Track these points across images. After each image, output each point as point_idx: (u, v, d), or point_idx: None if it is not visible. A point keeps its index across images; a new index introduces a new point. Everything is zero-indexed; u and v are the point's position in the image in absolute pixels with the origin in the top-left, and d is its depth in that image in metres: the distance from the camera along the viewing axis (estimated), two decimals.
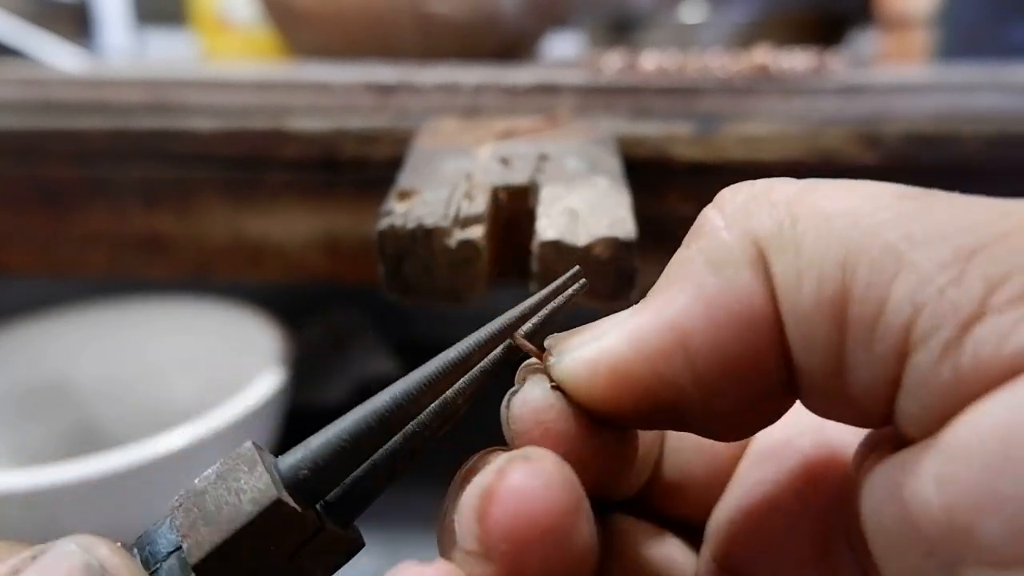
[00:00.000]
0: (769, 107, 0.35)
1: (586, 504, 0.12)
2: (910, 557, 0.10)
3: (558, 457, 0.12)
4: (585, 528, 0.12)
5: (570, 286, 0.15)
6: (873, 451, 0.12)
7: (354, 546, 0.14)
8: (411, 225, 0.22)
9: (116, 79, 0.39)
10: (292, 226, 0.33)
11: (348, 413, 0.13)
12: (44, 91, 0.38)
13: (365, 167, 0.32)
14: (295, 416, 0.49)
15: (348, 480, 0.13)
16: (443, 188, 0.24)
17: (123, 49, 0.89)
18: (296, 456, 0.13)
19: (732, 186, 0.13)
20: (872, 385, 0.11)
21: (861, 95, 0.36)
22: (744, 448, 0.16)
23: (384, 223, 0.22)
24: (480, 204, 0.23)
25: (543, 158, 0.27)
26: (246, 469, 0.13)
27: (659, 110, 0.35)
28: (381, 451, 0.14)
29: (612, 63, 0.42)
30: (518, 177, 0.25)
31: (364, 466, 0.13)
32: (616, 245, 0.22)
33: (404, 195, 0.24)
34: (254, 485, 0.12)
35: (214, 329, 0.55)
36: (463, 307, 0.23)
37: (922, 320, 0.10)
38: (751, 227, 0.12)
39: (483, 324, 0.14)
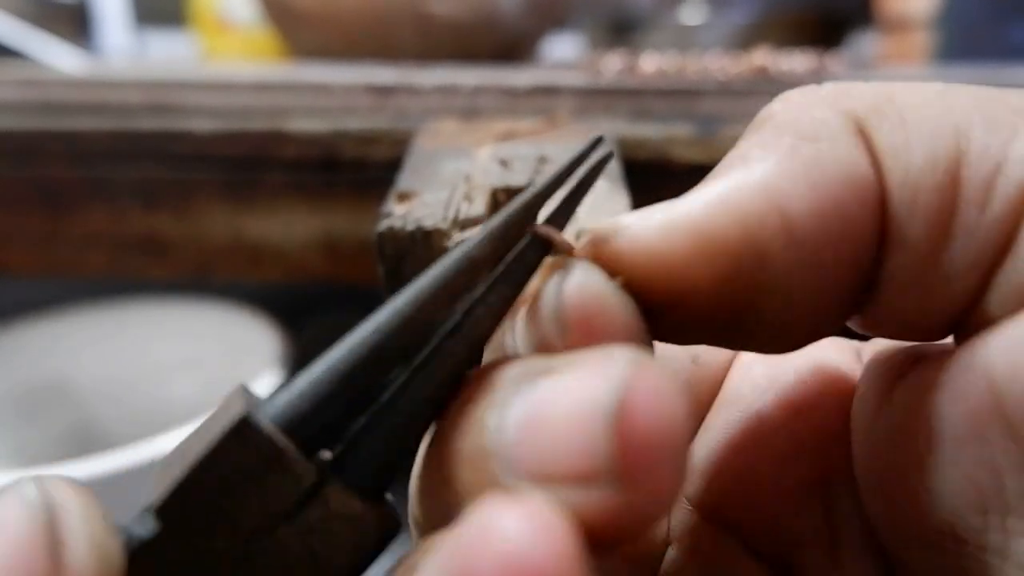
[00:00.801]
0: None
1: None
2: (994, 445, 0.10)
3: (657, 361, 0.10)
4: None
5: (590, 155, 0.12)
6: (911, 367, 0.12)
7: (388, 523, 0.11)
8: (410, 227, 0.22)
9: (115, 80, 0.39)
10: (291, 227, 0.33)
11: (336, 344, 0.11)
12: (43, 92, 0.38)
13: (364, 168, 0.32)
14: None
15: (362, 438, 0.11)
16: (442, 189, 0.24)
17: (122, 50, 0.89)
18: (279, 396, 0.11)
19: (804, 87, 0.12)
20: (978, 251, 0.10)
21: None
22: (720, 378, 0.15)
23: (383, 224, 0.22)
24: (479, 206, 0.23)
25: (542, 160, 0.27)
26: (227, 406, 0.11)
27: (659, 112, 0.35)
28: (394, 395, 0.11)
29: (612, 65, 0.42)
30: (517, 179, 0.25)
31: (375, 415, 0.11)
32: None
33: (403, 196, 0.24)
34: (226, 414, 0.10)
35: (214, 330, 0.55)
36: None
37: None
38: (844, 103, 0.12)
39: None
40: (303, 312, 0.64)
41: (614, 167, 0.27)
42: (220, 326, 0.55)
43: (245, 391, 0.11)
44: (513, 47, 0.60)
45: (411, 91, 0.37)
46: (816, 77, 0.39)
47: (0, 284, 0.56)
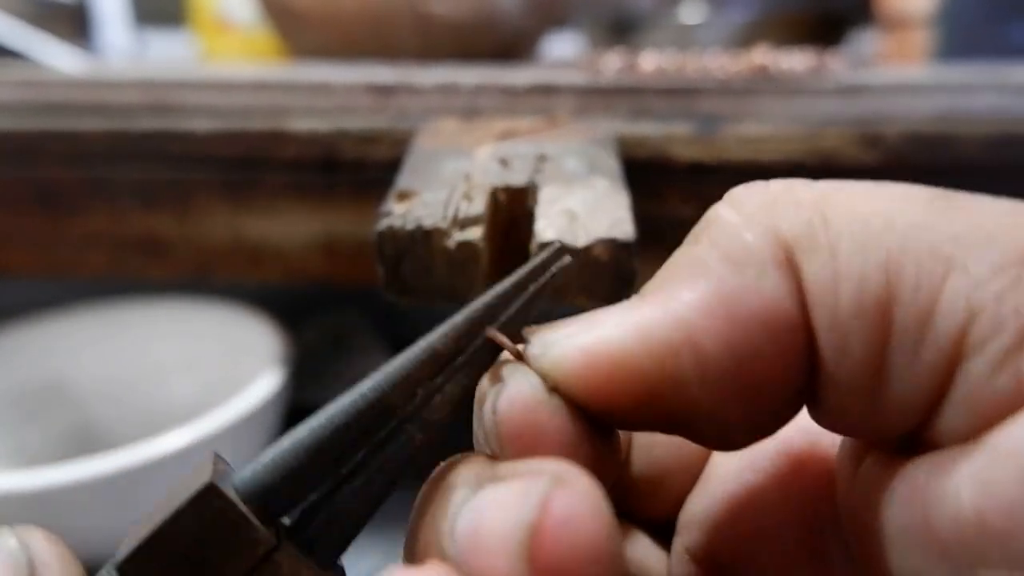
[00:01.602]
0: (769, 107, 0.35)
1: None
2: (919, 558, 0.10)
3: (587, 473, 0.10)
4: (622, 548, 0.11)
5: (552, 264, 0.13)
6: (870, 451, 0.12)
7: None
8: (410, 226, 0.22)
9: (115, 80, 0.39)
10: (291, 227, 0.33)
11: (304, 422, 0.12)
12: (43, 92, 0.38)
13: (364, 168, 0.32)
14: (295, 417, 0.48)
15: (321, 506, 0.12)
16: (442, 189, 0.24)
17: (122, 50, 0.89)
18: (252, 464, 0.12)
19: (745, 185, 0.12)
20: (913, 392, 0.10)
21: (861, 95, 0.36)
22: None
23: (383, 224, 0.22)
24: (479, 205, 0.23)
25: (542, 159, 0.27)
26: (197, 472, 0.12)
27: (658, 111, 0.35)
28: (353, 469, 0.12)
29: (611, 64, 0.42)
30: (517, 178, 0.25)
31: (335, 487, 0.12)
32: (615, 246, 0.22)
33: (403, 196, 0.24)
34: (192, 482, 0.11)
35: (213, 330, 0.55)
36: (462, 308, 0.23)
37: (978, 325, 0.10)
38: (776, 226, 0.11)
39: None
40: (303, 312, 0.64)
41: (614, 166, 0.27)
42: (220, 326, 0.55)
43: (216, 459, 0.12)
44: (513, 46, 0.60)
45: (411, 91, 0.37)
46: (816, 76, 0.39)
47: (0, 284, 0.56)
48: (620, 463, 0.14)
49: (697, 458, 0.15)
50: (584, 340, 0.12)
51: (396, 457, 0.12)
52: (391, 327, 0.67)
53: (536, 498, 0.10)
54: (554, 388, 0.12)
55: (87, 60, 0.66)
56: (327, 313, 0.68)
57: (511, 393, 0.12)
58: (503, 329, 0.13)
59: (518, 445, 0.12)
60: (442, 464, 0.12)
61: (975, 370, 0.10)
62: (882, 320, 0.10)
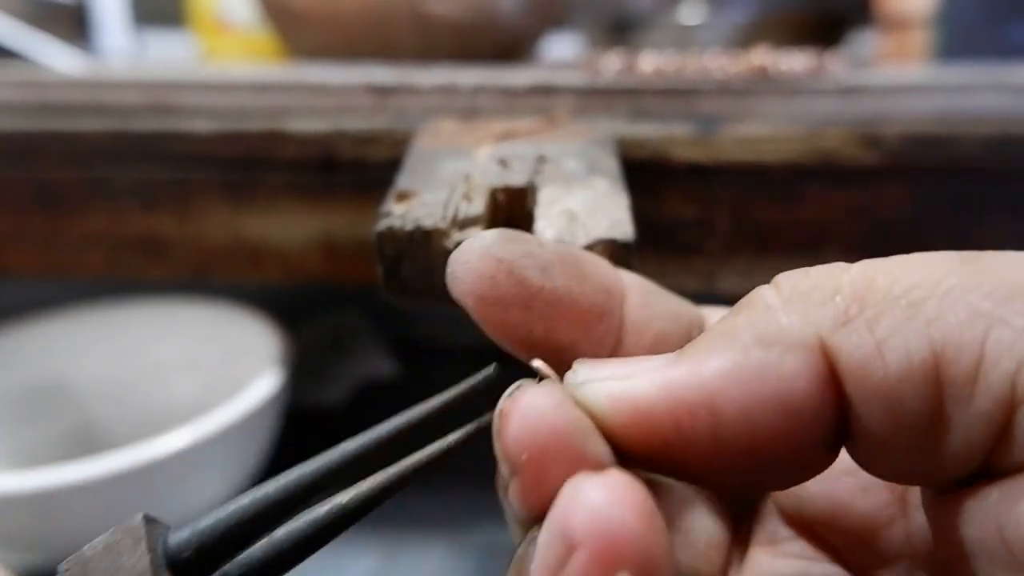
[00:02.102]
0: (768, 108, 0.35)
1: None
2: (999, 571, 0.11)
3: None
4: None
5: (480, 377, 0.15)
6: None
7: None
8: (409, 226, 0.22)
9: (114, 81, 0.39)
10: (291, 227, 0.33)
11: (241, 495, 0.14)
12: (42, 92, 0.38)
13: (363, 168, 0.32)
14: (295, 417, 0.49)
15: (252, 561, 0.13)
16: (442, 189, 0.24)
17: (121, 50, 0.89)
18: (183, 535, 0.13)
19: (789, 272, 0.13)
20: (971, 440, 0.11)
21: (860, 95, 0.36)
22: None
23: (382, 224, 0.22)
24: (479, 205, 0.23)
25: (542, 159, 0.27)
26: (130, 544, 0.13)
27: (658, 111, 0.35)
28: (283, 532, 0.14)
29: (611, 64, 0.42)
30: (517, 178, 0.25)
31: (264, 545, 0.13)
32: (615, 247, 0.22)
33: (402, 196, 0.24)
34: (133, 565, 0.13)
35: (213, 330, 0.55)
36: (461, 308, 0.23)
37: None
38: (812, 314, 0.12)
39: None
40: (302, 312, 0.64)
41: (614, 166, 0.27)
42: (220, 326, 0.55)
43: (147, 525, 0.13)
44: (512, 47, 0.60)
45: (411, 91, 0.37)
46: (815, 76, 0.39)
47: (0, 284, 0.56)
48: None
49: None
50: (612, 386, 0.13)
51: (322, 520, 0.14)
52: (391, 327, 0.67)
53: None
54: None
55: (87, 60, 0.66)
56: (327, 313, 0.68)
57: (537, 394, 0.13)
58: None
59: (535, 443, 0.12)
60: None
61: None
62: (933, 380, 0.11)
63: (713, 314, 0.17)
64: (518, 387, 0.13)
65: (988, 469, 0.11)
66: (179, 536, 0.13)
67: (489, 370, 0.14)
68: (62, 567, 0.13)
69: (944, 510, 0.12)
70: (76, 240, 0.34)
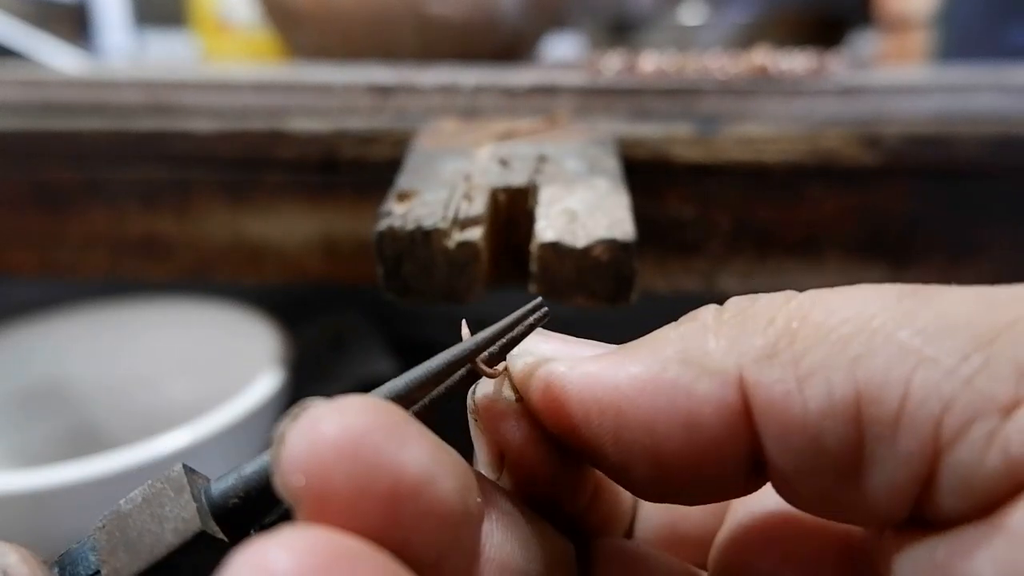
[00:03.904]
0: (769, 108, 0.35)
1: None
2: None
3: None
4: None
5: (531, 316, 0.15)
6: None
7: None
8: (410, 226, 0.22)
9: (115, 80, 0.39)
10: (291, 227, 0.33)
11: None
12: (43, 92, 0.38)
13: (364, 168, 0.32)
14: None
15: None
16: (442, 189, 0.24)
17: (122, 50, 0.89)
18: (227, 482, 0.12)
19: (743, 296, 0.13)
20: (895, 481, 0.11)
21: (861, 96, 0.36)
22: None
23: (383, 224, 0.22)
24: (479, 205, 0.23)
25: (542, 159, 0.27)
26: (172, 494, 0.12)
27: (659, 111, 0.35)
28: None
29: (611, 64, 0.42)
30: (517, 178, 0.25)
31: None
32: (615, 247, 0.22)
33: (403, 196, 0.24)
34: (179, 514, 0.12)
35: (213, 330, 0.55)
36: (462, 308, 0.23)
37: (954, 413, 0.10)
38: (740, 343, 0.12)
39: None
40: (302, 312, 0.64)
41: (614, 166, 0.27)
42: (220, 327, 0.55)
43: (188, 474, 0.13)
44: (513, 47, 0.60)
45: (411, 91, 0.37)
46: (816, 77, 0.39)
47: (0, 284, 0.56)
48: (585, 486, 0.15)
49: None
50: (543, 370, 0.13)
51: None
52: (391, 327, 0.67)
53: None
54: (519, 397, 0.14)
55: (87, 60, 0.66)
56: (327, 313, 0.68)
57: (483, 389, 0.14)
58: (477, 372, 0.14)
59: (491, 428, 0.14)
60: None
61: (962, 456, 0.10)
62: (854, 420, 0.11)
63: None
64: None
65: (922, 516, 0.11)
66: (223, 484, 0.12)
67: (537, 301, 0.15)
68: (98, 522, 0.12)
69: (884, 554, 0.12)
70: (76, 240, 0.34)
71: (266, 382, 0.43)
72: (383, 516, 0.10)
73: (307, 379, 0.56)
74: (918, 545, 0.11)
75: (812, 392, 0.11)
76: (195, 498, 0.12)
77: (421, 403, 0.14)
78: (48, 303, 0.56)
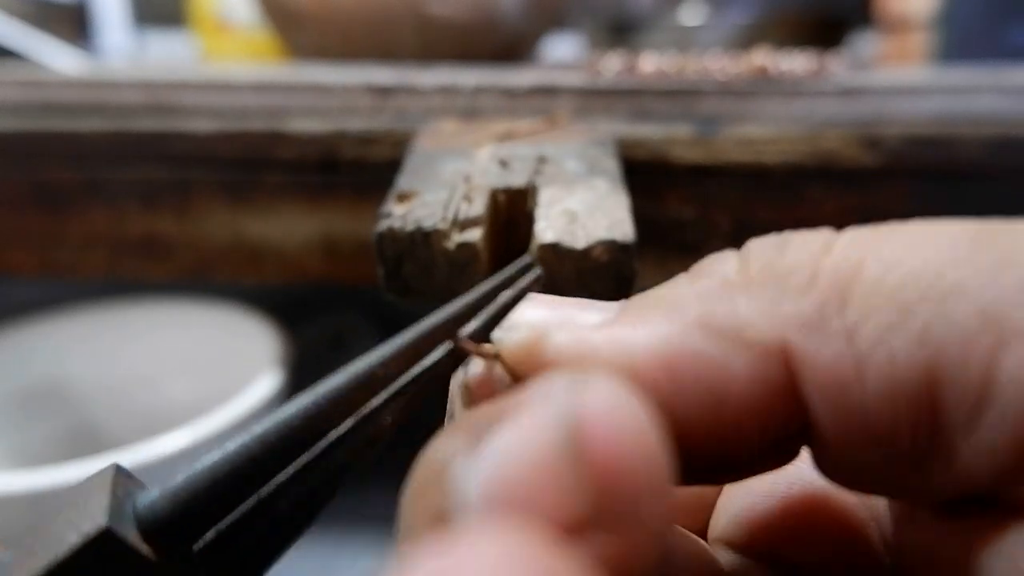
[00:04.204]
0: (769, 109, 0.35)
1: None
2: None
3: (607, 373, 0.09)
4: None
5: (521, 277, 0.12)
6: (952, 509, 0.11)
7: None
8: (410, 227, 0.22)
9: (115, 80, 0.39)
10: (291, 227, 0.33)
11: (230, 441, 0.11)
12: (43, 93, 0.38)
13: (364, 169, 0.32)
14: None
15: (239, 531, 0.11)
16: (442, 190, 0.24)
17: (122, 50, 0.89)
18: (155, 492, 0.11)
19: (764, 239, 0.11)
20: (971, 475, 0.09)
21: (861, 97, 0.36)
22: None
23: (383, 225, 0.22)
24: (479, 206, 0.23)
25: (542, 160, 0.27)
26: (94, 494, 0.11)
27: (658, 112, 0.35)
28: (274, 491, 0.11)
29: (611, 65, 0.42)
30: (517, 179, 0.25)
31: (254, 511, 0.11)
32: (615, 248, 0.22)
33: (403, 197, 0.24)
34: (90, 513, 0.10)
35: (213, 331, 0.55)
36: None
37: None
38: (781, 307, 0.10)
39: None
40: (302, 313, 0.64)
41: (614, 167, 0.27)
42: (219, 327, 0.55)
43: (117, 477, 0.11)
44: (513, 47, 0.60)
45: (411, 91, 0.37)
46: (816, 78, 0.39)
47: (0, 284, 0.56)
48: None
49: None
50: (541, 347, 0.11)
51: (322, 480, 0.11)
52: (391, 327, 0.67)
53: (563, 406, 0.08)
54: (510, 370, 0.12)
55: (87, 61, 0.66)
56: (327, 313, 0.68)
57: (473, 370, 0.12)
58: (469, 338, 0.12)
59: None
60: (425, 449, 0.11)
61: None
62: (926, 406, 0.09)
63: None
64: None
65: (1007, 497, 0.09)
66: (152, 492, 0.11)
67: (527, 261, 0.13)
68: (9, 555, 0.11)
69: (930, 530, 0.10)
70: (76, 240, 0.34)
71: (266, 382, 0.43)
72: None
73: (307, 379, 0.56)
74: (999, 538, 0.09)
75: (872, 374, 0.09)
76: (111, 498, 0.11)
77: (392, 389, 0.12)
78: (48, 303, 0.56)
